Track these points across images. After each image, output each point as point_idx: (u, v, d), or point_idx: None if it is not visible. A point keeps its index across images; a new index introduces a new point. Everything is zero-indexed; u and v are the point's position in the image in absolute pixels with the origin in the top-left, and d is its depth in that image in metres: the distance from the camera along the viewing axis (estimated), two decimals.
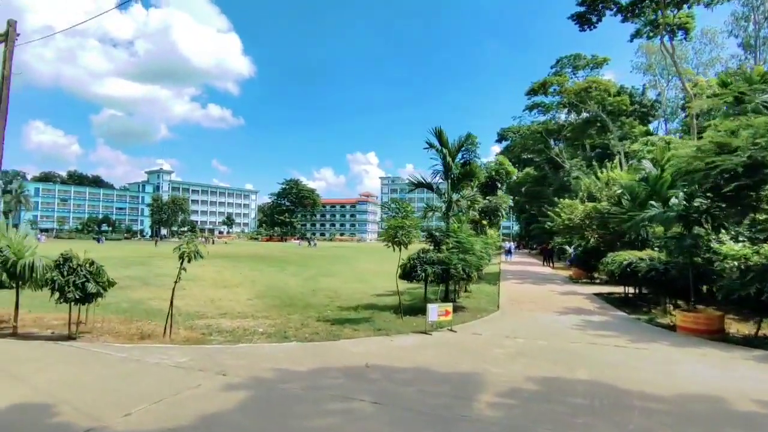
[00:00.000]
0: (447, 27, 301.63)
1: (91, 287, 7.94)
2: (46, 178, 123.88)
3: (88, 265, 8.09)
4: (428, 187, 14.17)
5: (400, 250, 11.21)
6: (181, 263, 8.15)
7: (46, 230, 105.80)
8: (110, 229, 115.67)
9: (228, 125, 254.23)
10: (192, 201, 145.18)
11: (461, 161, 14.31)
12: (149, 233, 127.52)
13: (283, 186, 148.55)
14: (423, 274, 11.82)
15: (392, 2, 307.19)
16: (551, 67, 55.56)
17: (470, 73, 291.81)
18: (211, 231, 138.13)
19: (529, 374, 5.98)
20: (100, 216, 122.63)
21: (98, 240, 68.80)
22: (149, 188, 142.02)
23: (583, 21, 27.93)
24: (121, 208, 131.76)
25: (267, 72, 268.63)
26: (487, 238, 12.93)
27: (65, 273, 7.82)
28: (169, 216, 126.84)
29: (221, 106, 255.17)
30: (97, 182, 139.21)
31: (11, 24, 10.67)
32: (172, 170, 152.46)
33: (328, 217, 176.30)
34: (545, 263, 32.06)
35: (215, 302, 15.75)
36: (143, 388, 5.03)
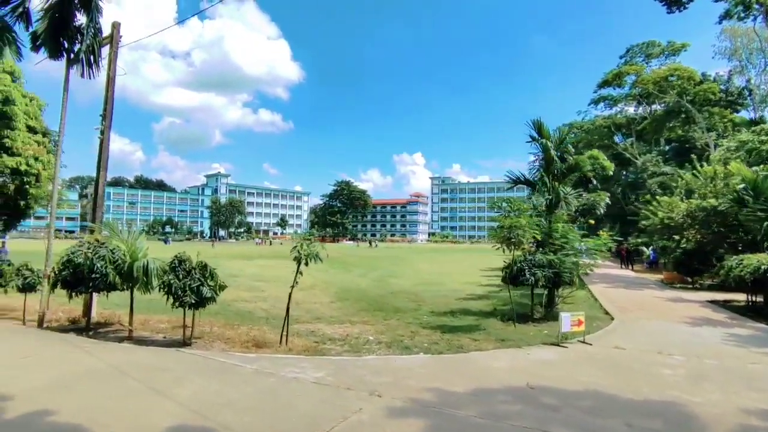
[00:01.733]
0: (494, 24, 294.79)
1: (206, 291, 7.56)
2: (116, 182, 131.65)
3: (200, 268, 7.72)
4: (528, 183, 13.07)
5: (512, 251, 10.24)
6: (298, 267, 7.60)
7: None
8: (173, 230, 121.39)
9: (278, 129, 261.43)
10: (247, 203, 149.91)
11: (557, 155, 13.13)
12: (209, 234, 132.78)
13: (335, 187, 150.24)
14: (532, 278, 10.76)
15: (437, 2, 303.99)
16: (620, 57, 52.27)
17: (518, 71, 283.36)
18: (266, 232, 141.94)
19: (742, 405, 4.87)
20: (164, 218, 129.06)
21: (165, 241, 72.04)
22: (208, 191, 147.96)
23: (672, 1, 25.57)
24: (182, 211, 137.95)
25: (315, 76, 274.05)
26: (598, 239, 11.65)
27: (180, 276, 7.48)
28: (227, 217, 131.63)
29: (271, 111, 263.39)
30: (160, 186, 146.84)
31: (115, 26, 10.65)
32: (229, 174, 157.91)
33: (378, 217, 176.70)
34: (623, 266, 29.91)
35: (300, 305, 15.39)
36: (302, 411, 4.41)
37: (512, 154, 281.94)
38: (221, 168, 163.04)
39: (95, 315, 10.16)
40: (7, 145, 19.06)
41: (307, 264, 7.59)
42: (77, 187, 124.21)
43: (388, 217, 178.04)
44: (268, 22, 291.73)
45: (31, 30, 9.91)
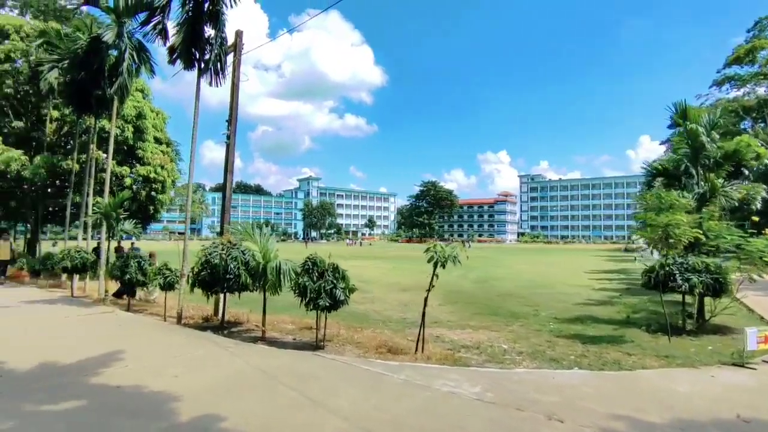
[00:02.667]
0: (582, 10, 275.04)
1: (339, 294, 7.36)
2: (219, 188, 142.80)
3: (332, 269, 7.54)
4: (673, 176, 11.46)
5: (666, 252, 8.92)
6: (434, 270, 7.12)
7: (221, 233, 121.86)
8: (270, 232, 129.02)
9: (363, 133, 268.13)
10: (336, 205, 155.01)
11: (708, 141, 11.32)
12: (302, 235, 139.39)
13: (421, 188, 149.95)
14: (685, 285, 9.27)
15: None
16: (748, 31, 45.74)
17: (611, 59, 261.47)
18: (354, 233, 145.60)
19: None
20: (262, 220, 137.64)
21: None
22: (300, 194, 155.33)
23: None
24: (278, 213, 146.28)
25: (397, 79, 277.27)
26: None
27: (315, 278, 7.35)
28: (318, 219, 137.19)
29: (356, 115, 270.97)
30: (258, 190, 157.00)
31: (238, 35, 11.02)
32: (320, 177, 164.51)
33: (465, 218, 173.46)
34: None
35: (409, 306, 15.06)
36: None
37: (609, 148, 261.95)
38: (311, 172, 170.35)
39: (225, 314, 10.58)
40: (139, 155, 21.04)
41: (444, 266, 7.07)
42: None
43: (475, 217, 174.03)
44: (351, 30, 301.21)
45: (168, 44, 10.56)
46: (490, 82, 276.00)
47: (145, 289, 12.12)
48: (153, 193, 21.72)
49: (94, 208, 14.28)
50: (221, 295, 10.09)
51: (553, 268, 31.50)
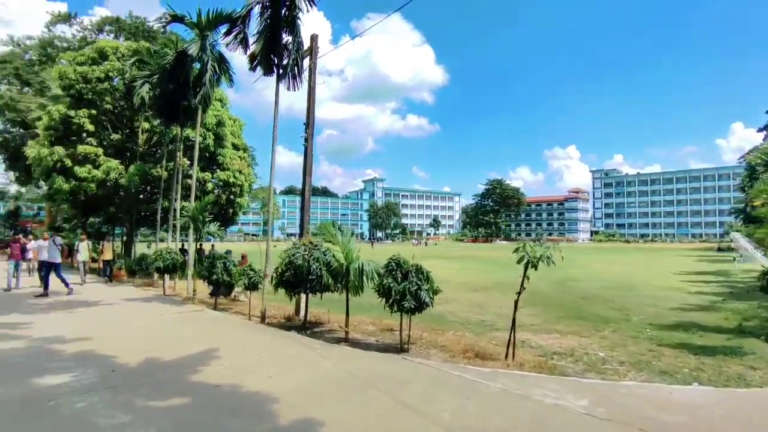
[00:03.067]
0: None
1: (424, 296, 7.15)
2: (289, 191, 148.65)
3: (416, 270, 7.35)
4: None
5: None
6: (525, 271, 6.70)
7: (292, 234, 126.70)
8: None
9: (425, 133, 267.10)
10: (401, 205, 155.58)
11: None
12: (367, 236, 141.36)
13: (487, 186, 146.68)
14: None
15: None
16: None
17: (684, 40, 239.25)
18: (419, 233, 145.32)
19: None
20: (329, 221, 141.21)
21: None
22: (365, 195, 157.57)
23: None
24: (344, 214, 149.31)
25: (458, 78, 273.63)
26: None
27: (399, 279, 7.19)
28: (383, 220, 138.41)
29: (418, 115, 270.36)
30: (325, 192, 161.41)
31: (314, 39, 11.17)
32: (384, 178, 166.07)
33: (533, 216, 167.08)
34: None
35: (485, 308, 14.59)
36: None
37: (693, 138, 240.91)
38: (374, 173, 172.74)
39: (305, 314, 10.77)
40: (219, 161, 22.18)
41: (536, 268, 6.63)
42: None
43: (544, 215, 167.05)
44: (411, 30, 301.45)
45: (248, 52, 10.93)
46: (556, 75, 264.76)
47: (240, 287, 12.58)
48: (232, 196, 22.82)
49: (182, 212, 15.19)
50: (302, 296, 10.28)
51: (635, 268, 29.24)
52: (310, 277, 8.59)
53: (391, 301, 7.16)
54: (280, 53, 10.50)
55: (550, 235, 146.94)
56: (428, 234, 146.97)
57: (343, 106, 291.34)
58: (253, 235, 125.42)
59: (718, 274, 26.81)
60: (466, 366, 6.25)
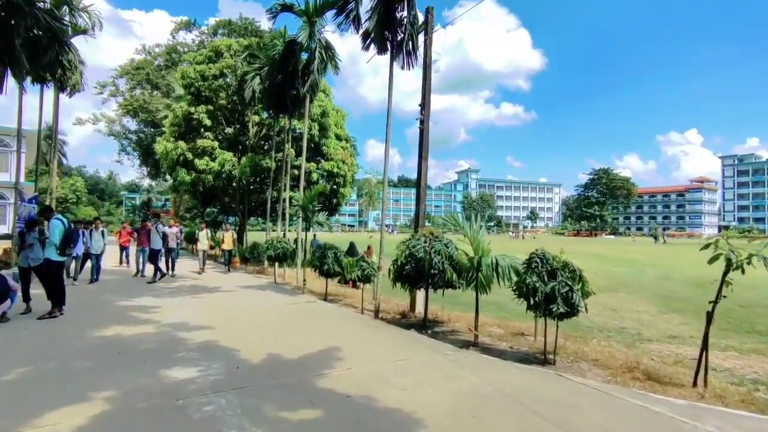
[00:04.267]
0: None
1: (576, 299, 5.93)
2: (358, 186, 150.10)
3: (565, 268, 6.13)
4: None
5: None
6: (725, 273, 5.17)
7: (387, 225, 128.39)
8: (429, 223, 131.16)
9: (520, 121, 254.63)
10: (496, 197, 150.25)
11: None
12: None
13: (591, 176, 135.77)
14: None
15: None
16: None
17: None
18: (516, 225, 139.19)
19: None
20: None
21: (391, 231, 78.08)
22: (459, 187, 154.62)
23: None
24: (437, 206, 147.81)
25: (557, 62, 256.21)
26: None
27: (546, 278, 6.03)
28: (477, 211, 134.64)
29: (513, 103, 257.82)
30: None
31: (430, 11, 10.23)
32: (479, 169, 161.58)
33: (645, 209, 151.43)
34: None
35: (618, 312, 12.75)
36: None
37: None
38: (467, 164, 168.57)
39: (421, 310, 10.00)
40: (324, 151, 22.30)
41: (743, 271, 5.08)
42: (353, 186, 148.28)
43: (659, 207, 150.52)
44: (506, 15, 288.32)
45: (360, 31, 10.31)
46: (666, 50, 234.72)
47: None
48: (335, 186, 22.91)
49: (293, 201, 15.26)
50: (418, 291, 9.50)
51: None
52: (432, 271, 7.76)
53: (534, 303, 6.04)
54: (394, 28, 9.72)
55: (666, 229, 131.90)
56: (525, 227, 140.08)
57: (434, 97, 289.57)
58: (349, 225, 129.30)
59: None
60: (644, 393, 4.94)
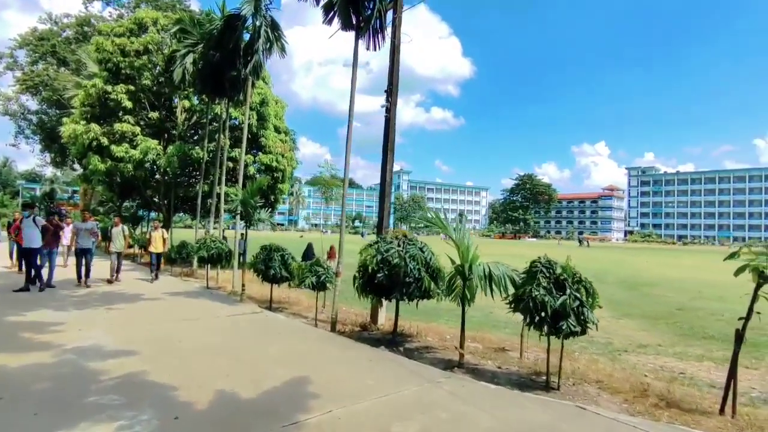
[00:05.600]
0: None
1: (590, 315, 5.17)
2: (314, 182, 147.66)
3: (574, 279, 5.35)
4: None
5: None
6: (758, 288, 4.61)
7: (316, 225, 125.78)
8: (362, 224, 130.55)
9: (450, 126, 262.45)
10: (427, 199, 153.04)
11: None
12: (393, 228, 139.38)
13: (516, 181, 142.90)
14: None
15: None
16: None
17: (720, 33, 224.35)
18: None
19: None
20: (354, 213, 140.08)
21: (362, 234, 76.88)
22: (391, 188, 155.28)
23: None
24: (369, 206, 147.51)
25: (486, 70, 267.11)
26: None
27: (553, 290, 5.21)
28: (409, 213, 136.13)
29: (443, 108, 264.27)
30: (350, 184, 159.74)
31: None
32: (410, 170, 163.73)
33: (564, 213, 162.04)
34: None
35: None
36: None
37: (730, 137, 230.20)
38: (398, 166, 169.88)
39: (383, 322, 8.91)
40: (262, 143, 20.50)
41: None
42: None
43: (576, 213, 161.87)
44: (439, 22, 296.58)
45: (321, 3, 9.06)
46: (585, 70, 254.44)
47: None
48: (274, 182, 21.15)
49: (232, 196, 13.54)
50: (383, 301, 8.44)
51: (708, 273, 25.78)
52: (407, 279, 6.72)
53: (538, 319, 5.20)
54: (361, 2, 8.56)
55: (581, 233, 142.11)
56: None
57: (366, 98, 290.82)
58: (279, 224, 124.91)
59: None
60: (683, 426, 4.22)
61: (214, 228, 15.46)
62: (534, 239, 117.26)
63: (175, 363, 5.40)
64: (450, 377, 5.43)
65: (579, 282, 5.34)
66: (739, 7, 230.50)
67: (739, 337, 4.72)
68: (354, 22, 8.64)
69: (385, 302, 8.63)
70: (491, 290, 5.93)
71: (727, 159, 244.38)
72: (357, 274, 7.25)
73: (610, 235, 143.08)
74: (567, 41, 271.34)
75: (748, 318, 4.69)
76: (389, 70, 9.11)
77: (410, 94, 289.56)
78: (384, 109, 9.03)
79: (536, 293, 5.15)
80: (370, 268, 6.76)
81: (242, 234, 14.37)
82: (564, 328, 5.08)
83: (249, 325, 8.02)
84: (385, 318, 8.83)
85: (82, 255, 11.65)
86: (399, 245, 7.02)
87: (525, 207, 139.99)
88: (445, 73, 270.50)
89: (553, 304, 5.06)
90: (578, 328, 5.10)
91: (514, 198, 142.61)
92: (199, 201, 17.21)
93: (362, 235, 73.16)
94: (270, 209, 22.43)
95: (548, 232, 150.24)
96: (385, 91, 9.10)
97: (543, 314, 5.12)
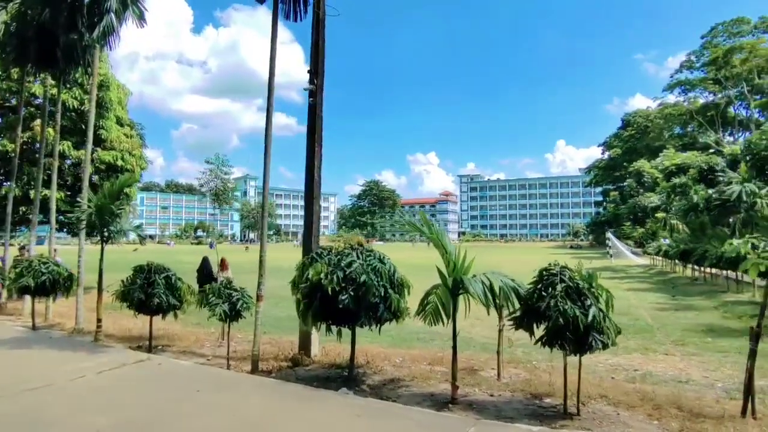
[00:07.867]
0: (510, 21, 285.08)
1: (611, 326, 4.56)
2: (147, 188, 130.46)
3: (588, 288, 4.70)
4: None
5: None
6: None
7: (152, 236, 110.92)
8: (205, 233, 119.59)
9: (293, 132, 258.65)
10: (276, 205, 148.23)
11: None
12: (240, 237, 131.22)
13: (364, 187, 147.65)
14: None
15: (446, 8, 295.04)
16: (702, 37, 48.47)
17: (523, 68, 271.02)
18: (295, 234, 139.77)
19: None
20: (196, 222, 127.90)
21: (211, 245, 69.68)
22: (237, 194, 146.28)
23: None
24: (213, 214, 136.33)
25: (327, 80, 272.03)
26: None
27: (558, 299, 4.46)
28: (257, 220, 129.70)
29: (287, 114, 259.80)
30: (190, 190, 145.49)
31: None
32: (257, 176, 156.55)
33: (406, 217, 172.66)
34: None
35: (484, 321, 12.48)
36: None
37: (529, 151, 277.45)
38: (239, 171, 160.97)
39: (317, 352, 7.26)
40: (102, 137, 16.48)
41: None
42: None
43: (417, 216, 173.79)
44: (281, 29, 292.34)
45: None
46: (420, 84, 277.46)
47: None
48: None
49: (80, 200, 10.20)
50: (318, 326, 6.84)
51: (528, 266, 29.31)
52: (373, 299, 5.37)
53: (561, 335, 4.43)
54: None
55: (422, 235, 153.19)
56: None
57: (205, 100, 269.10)
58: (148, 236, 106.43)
59: (609, 269, 28.56)
60: None
61: (45, 243, 11.53)
62: (380, 242, 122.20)
63: None
64: (463, 421, 4.28)
65: (589, 290, 4.71)
66: (538, 43, 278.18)
67: (757, 336, 4.60)
68: None
69: (354, 332, 7.01)
70: (496, 305, 4.99)
71: (528, 169, 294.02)
72: (301, 298, 5.62)
73: (448, 236, 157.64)
74: (399, 58, 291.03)
75: (762, 315, 4.60)
76: (313, 46, 7.58)
77: (252, 98, 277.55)
78: (307, 93, 7.45)
79: (567, 307, 4.34)
80: (328, 288, 5.21)
81: (55, 249, 11.14)
82: (594, 345, 4.39)
83: (143, 385, 5.59)
84: (318, 347, 7.22)
85: None
86: (358, 257, 5.62)
87: (372, 212, 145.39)
88: (288, 79, 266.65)
89: (585, 321, 4.31)
90: (608, 341, 4.46)
91: (362, 204, 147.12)
92: (9, 208, 12.75)
93: (211, 246, 66.40)
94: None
95: (393, 235, 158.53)
96: (309, 72, 7.56)
97: (571, 329, 4.36)
